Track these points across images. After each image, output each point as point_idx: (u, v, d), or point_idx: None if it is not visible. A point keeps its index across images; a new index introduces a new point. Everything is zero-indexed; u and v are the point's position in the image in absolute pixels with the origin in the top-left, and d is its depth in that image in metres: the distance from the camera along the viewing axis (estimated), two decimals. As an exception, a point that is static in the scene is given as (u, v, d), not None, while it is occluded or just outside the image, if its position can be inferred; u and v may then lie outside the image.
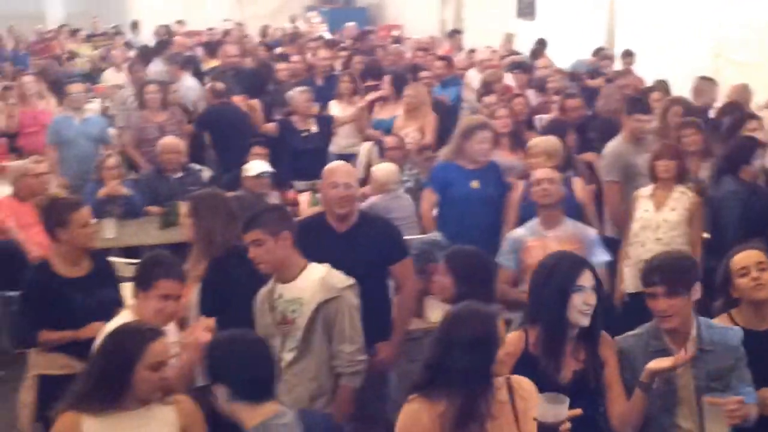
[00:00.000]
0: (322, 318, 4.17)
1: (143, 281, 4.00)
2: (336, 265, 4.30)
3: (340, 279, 4.22)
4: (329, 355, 4.21)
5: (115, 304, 4.34)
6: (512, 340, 3.58)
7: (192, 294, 4.55)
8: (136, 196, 7.49)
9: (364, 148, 8.41)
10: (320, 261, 4.26)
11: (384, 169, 7.04)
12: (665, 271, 3.66)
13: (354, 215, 4.92)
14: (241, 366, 3.17)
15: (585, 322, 3.59)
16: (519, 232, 5.32)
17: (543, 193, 5.22)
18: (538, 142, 6.46)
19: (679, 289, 3.61)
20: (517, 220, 5.82)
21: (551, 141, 6.41)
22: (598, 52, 12.76)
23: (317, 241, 4.64)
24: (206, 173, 8.73)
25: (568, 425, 2.98)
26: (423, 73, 9.46)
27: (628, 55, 12.04)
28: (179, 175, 7.71)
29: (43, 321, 4.56)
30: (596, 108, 8.39)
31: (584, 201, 6.23)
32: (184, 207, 5.05)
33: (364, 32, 16.19)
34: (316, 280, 4.16)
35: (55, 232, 4.63)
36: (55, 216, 4.64)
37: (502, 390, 3.17)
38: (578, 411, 3.06)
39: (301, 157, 8.28)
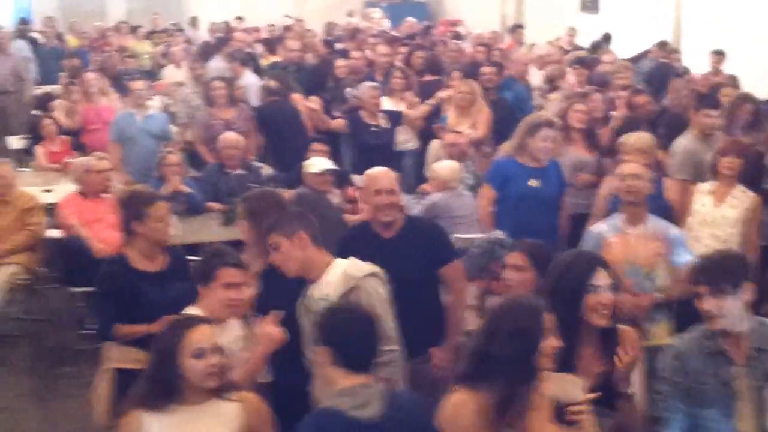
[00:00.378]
0: None
1: (204, 275, 4.01)
2: (386, 272, 4.17)
3: (360, 268, 4.08)
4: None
5: (188, 299, 4.34)
6: None
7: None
8: (197, 192, 7.50)
9: (433, 147, 8.33)
10: None
11: (446, 167, 6.94)
12: (710, 271, 3.56)
13: (400, 220, 4.84)
14: (347, 336, 3.33)
15: (602, 322, 3.56)
16: (600, 227, 5.19)
17: (629, 189, 5.10)
18: (631, 139, 6.29)
19: (724, 289, 3.49)
20: (604, 215, 5.68)
21: (645, 138, 6.27)
22: (663, 47, 12.49)
23: (364, 248, 4.54)
24: (266, 170, 8.75)
25: (585, 407, 3.01)
26: (484, 69, 9.32)
27: (717, 53, 11.69)
28: (240, 172, 7.70)
29: (119, 315, 4.56)
30: (665, 104, 8.20)
31: (674, 200, 6.08)
32: (238, 204, 5.02)
33: (426, 27, 16.09)
34: (339, 274, 4.06)
35: (131, 225, 4.63)
36: (132, 209, 4.64)
37: (547, 383, 3.16)
38: (596, 395, 3.09)
39: (367, 153, 8.19)
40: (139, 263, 4.64)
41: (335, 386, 3.30)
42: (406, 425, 3.27)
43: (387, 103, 9.13)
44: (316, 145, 7.60)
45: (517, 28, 15.43)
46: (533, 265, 4.35)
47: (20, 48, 13.53)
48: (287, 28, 15.58)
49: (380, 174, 4.94)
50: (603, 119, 8.03)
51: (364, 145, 8.41)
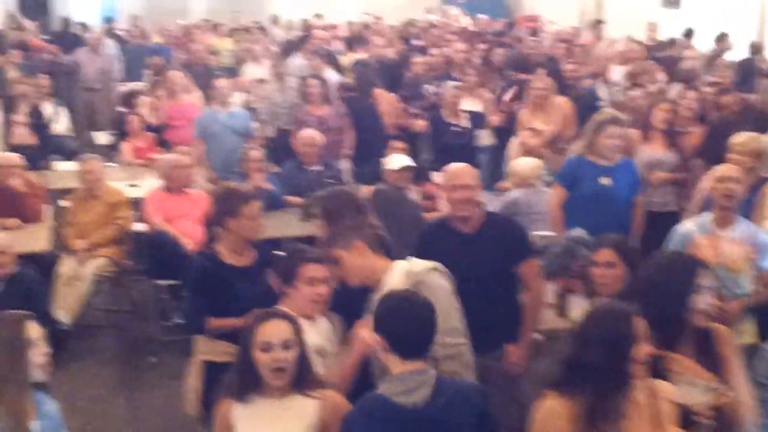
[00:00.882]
0: None
1: (287, 274, 4.04)
2: (462, 267, 4.18)
3: (420, 265, 4.04)
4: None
5: (275, 294, 4.39)
6: None
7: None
8: (277, 188, 7.60)
9: (514, 144, 8.29)
10: (446, 264, 4.12)
11: (526, 164, 6.91)
12: None
13: (479, 217, 4.83)
14: (399, 323, 3.33)
15: (705, 323, 3.48)
16: (689, 226, 5.12)
17: (725, 191, 4.99)
18: (747, 140, 6.10)
19: None
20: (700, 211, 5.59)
21: (763, 141, 6.11)
22: (722, 39, 12.19)
23: (443, 243, 4.58)
24: (344, 166, 8.81)
25: (709, 413, 2.95)
26: (568, 66, 9.24)
27: None
28: (317, 168, 7.77)
29: (211, 308, 4.64)
30: (752, 103, 8.03)
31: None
32: (313, 203, 5.06)
33: (508, 24, 16.00)
34: (401, 275, 4.01)
35: (224, 220, 4.70)
36: (227, 205, 4.72)
37: (642, 391, 3.11)
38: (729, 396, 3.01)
39: (447, 152, 8.09)
40: (229, 258, 4.71)
41: (390, 373, 3.32)
42: (450, 412, 3.25)
43: (462, 101, 9.15)
44: (395, 143, 7.61)
45: (597, 24, 15.26)
46: (623, 260, 4.33)
47: (108, 46, 13.86)
48: (365, 26, 15.66)
49: (459, 170, 4.94)
50: (691, 118, 7.84)
51: (444, 145, 8.40)
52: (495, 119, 9.05)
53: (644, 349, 3.07)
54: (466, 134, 8.54)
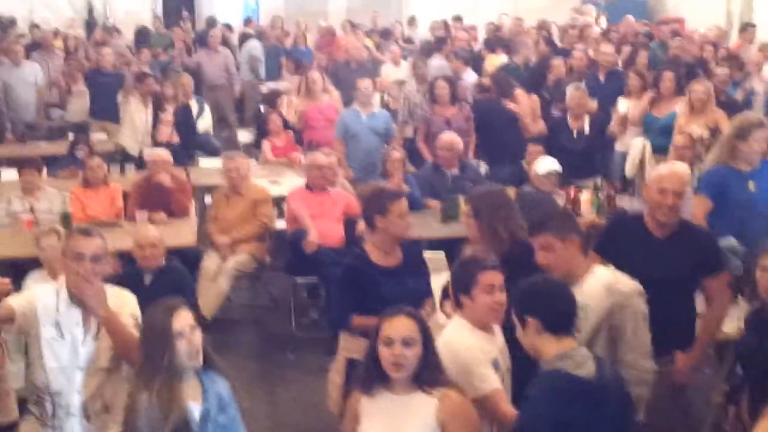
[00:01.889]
0: (609, 325, 4.03)
1: (463, 285, 3.94)
2: (648, 271, 4.18)
3: (629, 285, 4.06)
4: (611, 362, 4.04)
5: (424, 295, 4.37)
6: None
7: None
8: (415, 189, 7.58)
9: (635, 147, 8.07)
10: (633, 263, 4.18)
11: (682, 169, 6.65)
12: None
13: (675, 223, 4.69)
14: (551, 301, 3.48)
15: None
16: None
17: None
18: None
19: None
20: None
21: None
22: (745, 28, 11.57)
23: (632, 243, 4.56)
24: (483, 167, 8.74)
25: None
26: (718, 70, 8.91)
27: None
28: (455, 171, 7.74)
29: (356, 307, 4.65)
30: None
31: None
32: (464, 203, 5.03)
33: (660, 23, 15.58)
34: (602, 286, 4.03)
35: (373, 219, 4.71)
36: (376, 204, 4.73)
37: None
38: None
39: (570, 156, 7.90)
40: (377, 258, 4.72)
41: (548, 353, 3.41)
42: (615, 384, 3.47)
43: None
44: (533, 146, 7.53)
45: (747, 27, 14.68)
46: None
47: (253, 47, 14.17)
48: (504, 27, 15.53)
49: (670, 171, 4.81)
50: None
51: (561, 148, 8.19)
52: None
53: None
54: (585, 139, 8.36)
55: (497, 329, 3.96)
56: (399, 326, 3.48)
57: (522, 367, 3.72)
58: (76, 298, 4.03)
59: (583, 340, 3.97)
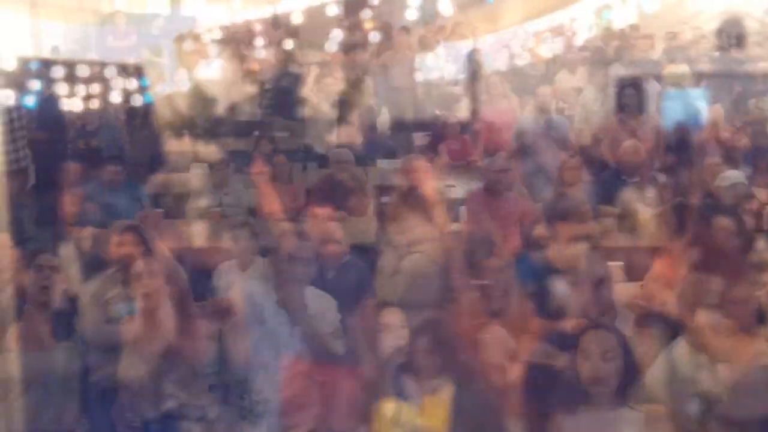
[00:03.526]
0: None
1: None
2: None
3: None
4: None
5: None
6: None
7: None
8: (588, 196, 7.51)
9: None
10: None
11: None
12: None
13: None
14: None
15: None
16: None
17: None
18: None
19: None
20: None
21: None
22: None
23: None
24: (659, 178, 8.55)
25: None
26: None
27: None
28: (636, 180, 7.59)
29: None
30: None
31: None
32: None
33: None
34: None
35: (555, 225, 4.80)
36: (557, 210, 4.83)
37: None
38: None
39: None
40: (558, 263, 4.75)
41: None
42: None
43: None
44: (711, 158, 7.38)
45: None
46: None
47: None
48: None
49: None
50: None
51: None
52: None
53: None
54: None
55: None
56: (596, 340, 3.45)
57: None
58: None
59: None
